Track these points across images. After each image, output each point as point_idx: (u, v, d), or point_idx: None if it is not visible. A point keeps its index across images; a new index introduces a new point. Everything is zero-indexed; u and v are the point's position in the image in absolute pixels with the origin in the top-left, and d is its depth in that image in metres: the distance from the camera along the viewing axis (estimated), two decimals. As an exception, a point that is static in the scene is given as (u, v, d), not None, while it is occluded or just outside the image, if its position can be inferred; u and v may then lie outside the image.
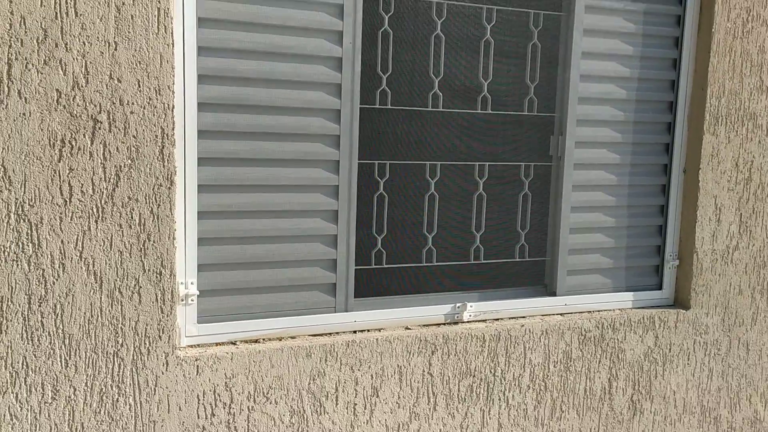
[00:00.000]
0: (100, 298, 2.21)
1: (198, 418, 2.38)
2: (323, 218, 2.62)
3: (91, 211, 2.16)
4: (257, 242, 2.53)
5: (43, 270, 2.13)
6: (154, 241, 2.25)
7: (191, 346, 2.42)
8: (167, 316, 2.30)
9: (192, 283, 2.41)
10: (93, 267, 2.19)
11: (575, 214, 3.06)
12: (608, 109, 3.05)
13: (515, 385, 2.90)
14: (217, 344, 2.47)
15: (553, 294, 3.07)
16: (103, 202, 2.17)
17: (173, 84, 2.23)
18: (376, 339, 2.63)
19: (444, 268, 2.90)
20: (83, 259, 2.17)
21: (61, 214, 2.13)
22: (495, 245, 2.97)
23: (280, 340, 2.55)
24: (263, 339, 2.54)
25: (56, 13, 2.05)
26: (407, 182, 2.79)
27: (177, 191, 2.33)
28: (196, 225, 2.40)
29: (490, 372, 2.84)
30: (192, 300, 2.41)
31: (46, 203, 2.11)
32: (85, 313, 2.19)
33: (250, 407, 2.45)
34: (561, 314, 3.04)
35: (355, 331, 2.68)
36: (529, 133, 2.96)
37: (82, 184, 2.14)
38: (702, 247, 3.17)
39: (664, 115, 3.15)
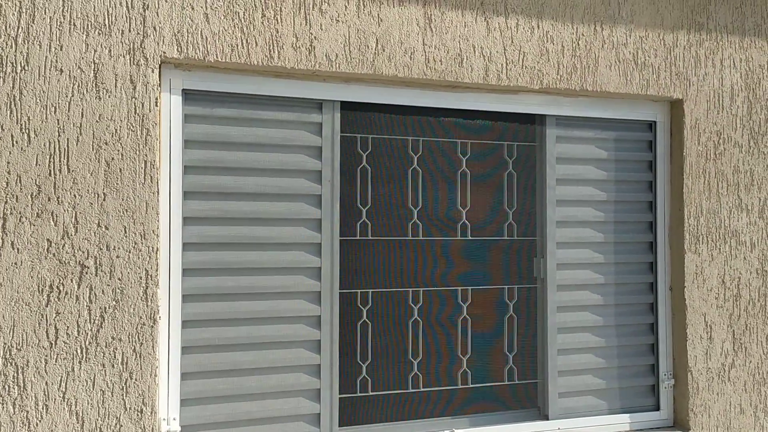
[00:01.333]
0: (82, 438, 2.26)
1: None
2: (306, 348, 2.68)
3: (75, 352, 2.26)
4: (241, 374, 2.58)
5: (27, 412, 2.21)
6: (136, 379, 2.33)
7: (172, 484, 2.43)
8: (147, 454, 2.33)
9: (174, 419, 2.45)
10: (75, 407, 2.26)
11: (562, 334, 3.07)
12: (588, 231, 3.13)
13: None
14: (198, 481, 2.48)
15: (546, 417, 3.03)
16: (87, 343, 2.27)
17: (158, 228, 2.39)
18: (361, 471, 2.61)
19: (431, 394, 2.90)
20: (66, 400, 2.25)
21: (46, 356, 2.23)
22: (483, 369, 2.98)
23: None
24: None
25: (50, 170, 2.25)
26: (390, 309, 2.86)
27: (161, 328, 2.42)
28: (180, 360, 2.47)
29: (481, 503, 2.77)
30: (174, 436, 2.45)
31: (32, 346, 2.21)
32: (65, 454, 2.25)
33: None
34: (554, 439, 2.99)
35: (339, 463, 2.67)
36: (511, 257, 3.04)
37: (68, 327, 2.26)
38: (696, 365, 3.13)
39: (645, 234, 3.22)
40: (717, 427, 3.15)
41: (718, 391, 3.16)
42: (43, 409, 2.22)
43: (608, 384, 3.14)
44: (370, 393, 2.81)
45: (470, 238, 2.97)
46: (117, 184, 2.32)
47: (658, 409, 3.19)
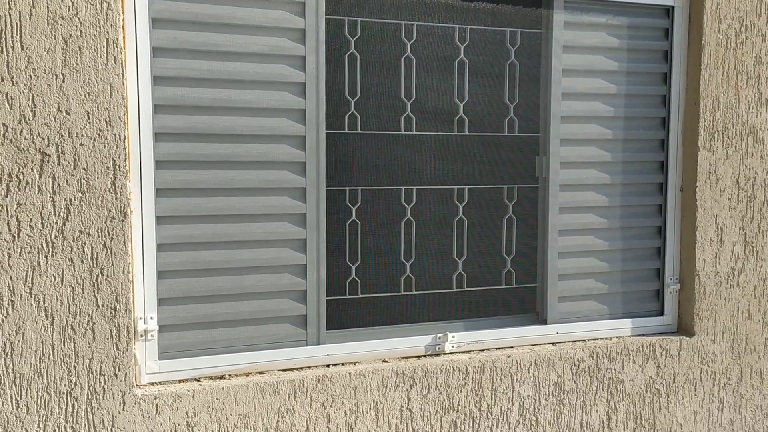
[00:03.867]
0: (52, 335, 2.14)
1: (158, 459, 2.28)
2: (291, 247, 2.53)
3: (40, 246, 2.11)
4: (221, 274, 2.45)
5: (-8, 307, 2.08)
6: (107, 276, 2.19)
7: (152, 384, 2.34)
8: (123, 352, 2.22)
9: (151, 318, 2.33)
10: (44, 303, 2.13)
11: (564, 237, 2.91)
12: (595, 127, 2.92)
13: (503, 420, 2.73)
14: (180, 381, 2.38)
15: (544, 322, 2.91)
16: (53, 236, 2.12)
17: (125, 114, 2.19)
18: (350, 373, 2.51)
19: (424, 297, 2.78)
20: (33, 296, 2.12)
21: (9, 249, 2.08)
22: (479, 272, 2.84)
23: (247, 375, 2.45)
24: (229, 375, 2.44)
25: (1, 48, 2.03)
26: (381, 208, 2.69)
27: (134, 223, 2.27)
28: (155, 257, 2.33)
29: (475, 406, 2.69)
30: (152, 335, 2.33)
31: (-7, 239, 2.07)
32: (36, 352, 2.13)
33: (214, 447, 2.35)
34: (552, 344, 2.88)
35: (328, 365, 2.56)
36: (511, 155, 2.84)
37: (31, 219, 2.10)
38: (704, 269, 2.98)
39: (657, 131, 3.00)
40: (723, 333, 3.03)
41: (726, 296, 3.02)
42: (8, 305, 2.09)
43: (610, 288, 3.00)
44: (360, 295, 2.68)
45: (468, 133, 2.76)
46: (77, 64, 2.11)
47: (662, 314, 3.06)
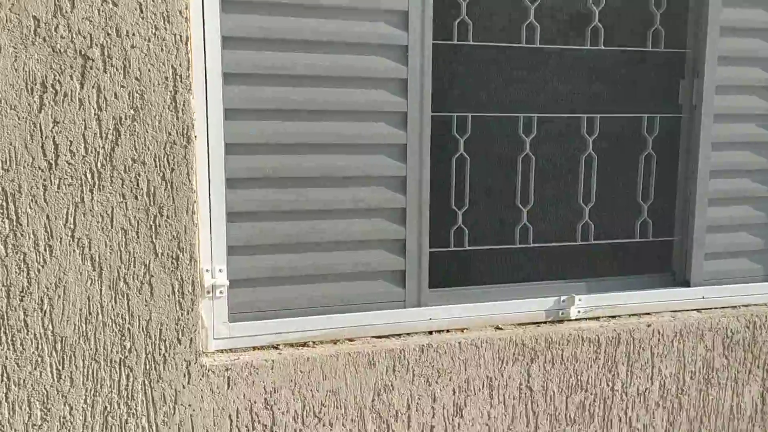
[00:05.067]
0: (100, 290, 1.70)
1: (230, 443, 1.85)
2: (388, 186, 2.03)
3: (84, 177, 1.66)
4: (304, 217, 1.97)
5: (25, 254, 1.64)
6: (167, 217, 1.73)
7: (221, 351, 1.89)
8: (188, 313, 1.78)
9: (221, 271, 1.88)
10: (89, 250, 1.69)
11: (716, 180, 2.35)
12: (762, 43, 2.32)
13: (640, 402, 2.23)
14: (254, 348, 1.93)
15: (686, 284, 2.37)
16: (99, 165, 1.67)
17: (187, 9, 1.70)
18: (459, 342, 2.03)
19: (544, 251, 2.26)
20: (76, 240, 1.67)
21: (45, 181, 1.63)
22: (609, 221, 2.31)
23: (335, 343, 1.99)
24: (313, 342, 1.98)
25: None
26: (494, 141, 2.17)
27: (198, 152, 1.80)
28: (225, 196, 1.86)
29: (607, 385, 2.19)
30: (221, 292, 1.88)
31: (25, 166, 1.62)
32: (80, 310, 1.70)
33: (298, 430, 1.91)
34: (698, 310, 2.34)
35: (430, 332, 2.09)
36: (653, 76, 2.27)
37: (71, 142, 1.64)
38: None
39: (836, 48, 2.39)
40: None
41: None
42: (45, 251, 1.66)
43: (768, 244, 2.44)
44: (468, 248, 2.18)
45: (602, 47, 2.20)
46: (126, -61, 1.62)
47: (829, 276, 2.50)
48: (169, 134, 1.70)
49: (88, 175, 1.66)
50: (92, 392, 1.73)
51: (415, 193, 2.04)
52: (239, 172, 1.88)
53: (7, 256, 1.63)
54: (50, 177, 1.63)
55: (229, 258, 1.90)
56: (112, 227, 1.69)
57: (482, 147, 2.14)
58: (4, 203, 1.61)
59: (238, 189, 1.89)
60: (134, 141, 1.68)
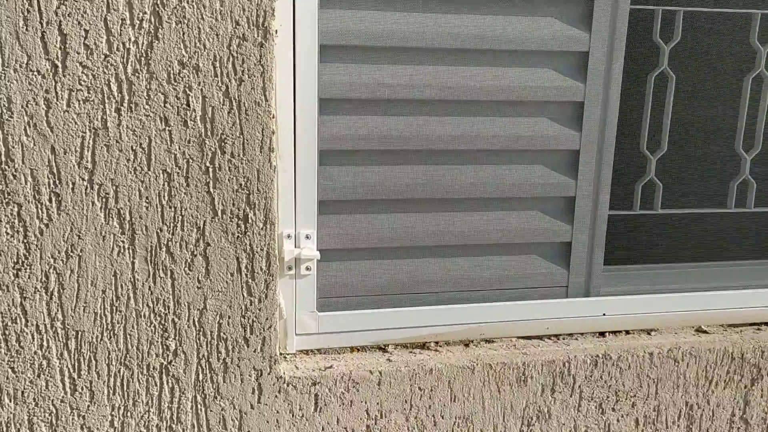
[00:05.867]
0: (132, 264, 1.13)
1: (318, 486, 1.28)
2: (552, 116, 1.37)
3: (106, 89, 1.06)
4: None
5: (20, 207, 1.08)
6: (232, 155, 1.13)
7: (306, 354, 1.31)
8: (260, 300, 1.19)
9: (308, 237, 1.27)
10: (115, 203, 1.11)
11: None
12: None
13: None
14: (352, 350, 1.34)
15: None
16: (130, 70, 1.07)
17: None
18: (650, 353, 1.38)
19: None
20: (96, 187, 1.09)
21: (47, 92, 1.05)
22: None
23: (467, 345, 1.38)
24: (436, 343, 1.37)
25: None
26: (710, 50, 1.46)
27: (280, 54, 1.17)
28: (317, 125, 1.24)
29: None
30: (308, 268, 1.28)
31: (16, 70, 1.03)
32: (104, 293, 1.13)
33: (413, 470, 1.32)
34: None
35: (602, 333, 1.45)
36: None
37: (87, 32, 1.04)
38: None
39: None
40: None
41: None
42: (50, 201, 1.09)
43: None
44: (661, 211, 1.50)
45: None
46: None
47: None
48: (237, 24, 1.08)
49: (113, 86, 1.07)
50: (121, 411, 1.18)
51: (594, 121, 1.37)
52: (339, 89, 1.25)
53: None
54: (55, 87, 1.05)
55: (321, 218, 1.29)
56: (149, 169, 1.10)
57: (693, 61, 1.44)
58: (-17, 126, 1.04)
59: (338, 114, 1.27)
60: (182, 33, 1.07)
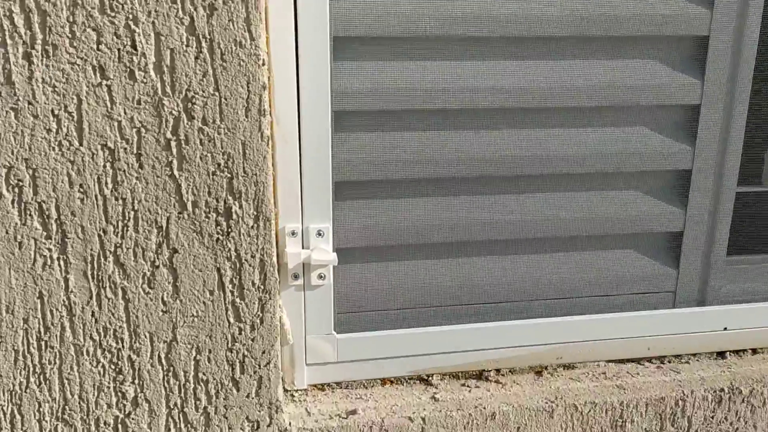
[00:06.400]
0: (66, 278, 0.78)
1: None
2: (667, 61, 0.97)
3: (7, 14, 0.70)
4: (488, 127, 0.96)
5: None
6: (204, 120, 0.76)
7: (322, 389, 0.96)
8: (253, 326, 0.84)
9: (320, 235, 0.91)
10: (32, 193, 0.76)
11: None
12: None
13: None
14: (384, 383, 0.99)
15: None
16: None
17: None
18: (786, 381, 1.01)
19: None
20: (0, 169, 0.74)
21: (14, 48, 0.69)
22: None
23: (539, 374, 1.02)
24: (495, 371, 1.01)
25: None
26: None
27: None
28: (329, 72, 0.86)
29: None
30: (322, 276, 0.92)
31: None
32: (26, 322, 0.79)
33: None
34: None
35: (723, 354, 1.07)
36: None
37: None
38: None
39: None
40: None
41: None
42: None
43: None
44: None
45: None
46: None
47: None
48: None
49: (18, 19, 0.70)
50: (65, 480, 0.85)
51: (719, 67, 0.97)
52: (363, 21, 0.87)
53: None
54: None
55: (337, 205, 0.93)
56: (81, 143, 0.75)
57: None
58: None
59: (361, 60, 0.89)
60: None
